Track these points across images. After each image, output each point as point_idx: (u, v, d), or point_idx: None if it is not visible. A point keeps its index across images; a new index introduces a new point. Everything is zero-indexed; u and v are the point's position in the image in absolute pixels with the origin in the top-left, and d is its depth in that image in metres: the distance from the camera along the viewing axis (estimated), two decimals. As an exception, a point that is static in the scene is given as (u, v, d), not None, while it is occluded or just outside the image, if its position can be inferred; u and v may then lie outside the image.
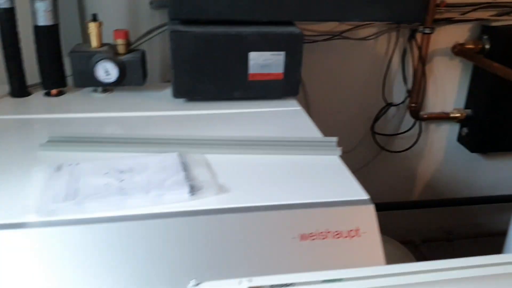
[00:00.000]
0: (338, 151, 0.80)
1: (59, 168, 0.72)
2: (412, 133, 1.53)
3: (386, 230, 0.67)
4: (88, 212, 0.62)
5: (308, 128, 0.90)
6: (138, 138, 0.82)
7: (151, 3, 1.24)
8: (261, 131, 0.87)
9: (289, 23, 0.99)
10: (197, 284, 0.51)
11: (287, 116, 0.96)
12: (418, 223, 1.68)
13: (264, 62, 0.96)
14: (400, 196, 1.64)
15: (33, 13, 0.91)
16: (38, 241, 0.59)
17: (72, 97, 1.01)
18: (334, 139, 0.83)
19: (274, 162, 0.77)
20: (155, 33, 1.24)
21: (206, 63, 0.94)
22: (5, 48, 0.94)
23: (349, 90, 1.45)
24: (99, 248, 0.60)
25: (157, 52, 1.27)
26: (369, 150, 1.53)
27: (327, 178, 0.73)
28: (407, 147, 1.54)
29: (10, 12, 0.91)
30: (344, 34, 1.35)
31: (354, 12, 0.97)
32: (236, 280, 0.51)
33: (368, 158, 1.54)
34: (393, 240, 1.39)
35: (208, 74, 0.95)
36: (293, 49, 0.96)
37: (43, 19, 0.91)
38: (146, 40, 1.20)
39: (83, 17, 1.19)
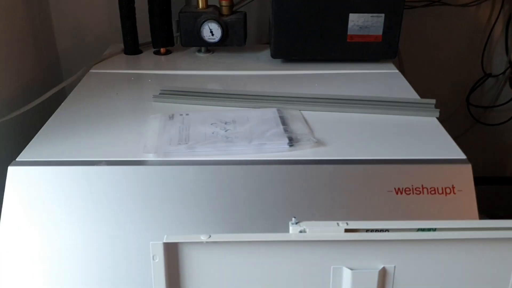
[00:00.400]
0: (436, 112, 0.80)
1: (171, 117, 0.79)
2: (510, 106, 1.46)
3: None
4: (198, 155, 0.69)
5: (405, 90, 0.90)
6: (239, 94, 0.88)
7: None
8: (358, 91, 0.89)
9: (390, -14, 0.99)
10: (297, 222, 0.56)
11: (384, 78, 0.97)
12: (510, 200, 1.62)
13: (364, 24, 0.97)
14: (493, 171, 1.58)
15: (148, -24, 0.99)
16: (155, 177, 0.67)
17: (178, 55, 1.09)
18: (432, 101, 0.83)
19: (371, 120, 0.79)
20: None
21: (306, 24, 0.97)
22: (121, 8, 1.03)
23: (445, 58, 1.41)
24: (208, 187, 0.67)
25: (254, 15, 1.31)
26: (463, 121, 1.49)
27: (424, 137, 0.74)
28: (503, 120, 1.48)
29: (127, -26, 1.00)
30: (444, 0, 1.31)
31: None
32: (334, 222, 0.55)
33: (462, 130, 1.50)
34: (483, 215, 1.35)
35: (307, 35, 0.98)
36: (394, 11, 0.96)
37: (157, -19, 0.99)
38: (247, 3, 1.25)
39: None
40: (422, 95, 0.90)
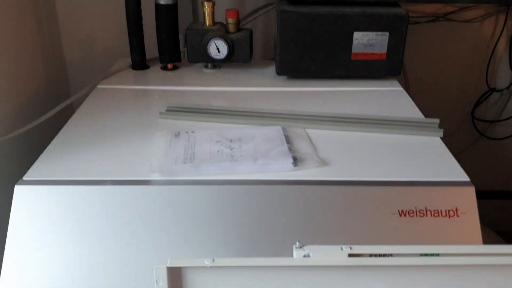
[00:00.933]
0: (440, 132, 0.81)
1: (177, 134, 0.80)
2: (515, 121, 1.46)
3: (481, 218, 0.68)
4: (203, 174, 0.70)
5: (409, 109, 0.91)
6: (244, 111, 0.89)
7: (257, -18, 1.29)
8: (362, 109, 0.90)
9: (394, 4, 0.99)
10: (301, 246, 0.56)
11: (388, 96, 0.97)
12: (515, 215, 1.62)
13: (368, 42, 0.97)
14: (498, 185, 1.58)
15: (156, -7, 1.00)
16: (160, 197, 0.68)
17: (185, 71, 1.10)
18: (436, 120, 0.83)
19: (375, 139, 0.80)
20: (260, 12, 1.30)
21: (311, 41, 0.98)
22: (129, 24, 1.04)
23: (450, 73, 1.41)
24: (212, 206, 0.67)
25: (260, 30, 1.33)
26: (468, 135, 1.49)
27: (428, 158, 0.74)
28: (508, 134, 1.48)
29: (136, -8, 1.01)
30: (448, 16, 1.32)
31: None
32: (338, 247, 0.55)
33: (467, 144, 1.50)
34: (489, 229, 1.35)
35: (312, 52, 0.99)
36: (398, 30, 0.96)
37: (164, -2, 1.00)
38: (252, 20, 1.26)
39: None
40: (426, 110, 0.90)
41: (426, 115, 0.87)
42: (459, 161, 0.74)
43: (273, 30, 1.32)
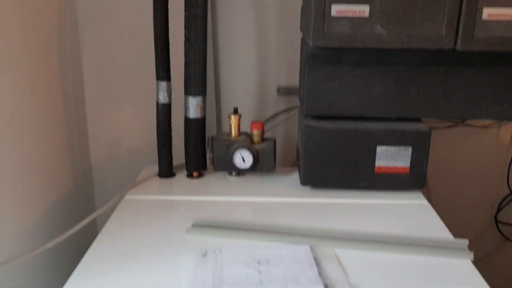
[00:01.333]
0: (470, 255, 0.80)
1: (204, 254, 0.80)
2: (541, 224, 1.44)
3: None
4: (233, 302, 0.69)
5: (436, 225, 0.91)
6: (271, 226, 0.89)
7: (278, 90, 1.35)
8: (389, 225, 0.90)
9: (416, 119, 1.03)
10: None
11: (413, 211, 0.98)
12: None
13: (391, 156, 0.99)
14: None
15: (186, 107, 1.04)
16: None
17: (210, 179, 1.12)
18: (465, 241, 0.83)
19: (404, 261, 0.79)
20: (281, 118, 1.34)
21: (334, 154, 1.00)
22: (159, 136, 1.08)
23: (469, 177, 1.42)
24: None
25: (281, 135, 1.37)
26: (492, 240, 1.47)
27: (460, 283, 0.73)
28: (534, 238, 1.46)
29: (167, 107, 1.06)
30: (466, 122, 1.35)
31: (483, 110, 0.98)
32: None
33: (491, 248, 1.47)
34: None
35: (335, 164, 1.01)
36: (421, 145, 0.99)
37: (194, 113, 1.04)
38: (272, 127, 1.31)
39: (219, 109, 1.33)
40: (448, 213, 0.90)
41: (448, 219, 0.87)
42: (483, 266, 0.73)
43: (293, 137, 1.37)
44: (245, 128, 1.12)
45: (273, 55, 1.32)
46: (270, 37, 1.30)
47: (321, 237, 0.86)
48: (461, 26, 0.85)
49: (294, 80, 1.31)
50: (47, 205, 1.10)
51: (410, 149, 0.99)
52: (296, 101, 1.33)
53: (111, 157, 1.39)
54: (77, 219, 0.98)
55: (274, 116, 1.36)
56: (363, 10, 0.85)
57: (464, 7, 0.84)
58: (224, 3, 1.26)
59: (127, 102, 1.34)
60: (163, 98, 1.05)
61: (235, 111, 1.09)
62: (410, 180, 1.02)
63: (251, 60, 1.32)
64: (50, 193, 1.13)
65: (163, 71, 1.04)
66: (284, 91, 1.35)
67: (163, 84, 1.05)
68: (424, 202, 1.01)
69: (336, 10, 0.86)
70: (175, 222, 0.93)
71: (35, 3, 1.04)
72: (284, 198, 1.03)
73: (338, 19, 0.86)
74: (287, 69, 1.33)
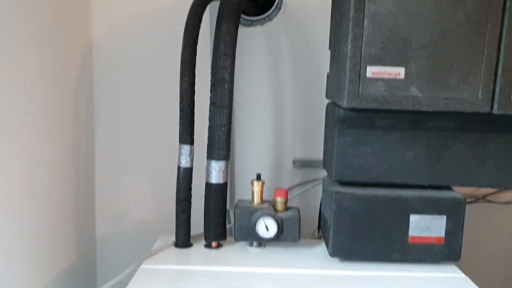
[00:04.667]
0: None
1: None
2: None
3: None
4: None
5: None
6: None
7: (294, 162, 1.32)
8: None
9: (448, 187, 0.99)
10: None
11: (451, 284, 0.91)
12: None
13: (425, 225, 0.95)
14: None
15: (209, 172, 1.00)
16: None
17: (229, 249, 1.05)
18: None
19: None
20: (297, 191, 1.30)
21: (366, 223, 0.95)
22: (178, 202, 1.02)
23: (492, 256, 1.37)
24: None
25: (300, 204, 1.31)
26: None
27: None
28: None
29: (188, 171, 1.02)
30: (488, 198, 1.32)
31: (517, 179, 0.95)
32: None
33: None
34: None
35: (366, 234, 0.96)
36: (455, 214, 0.95)
37: (216, 178, 1.00)
38: (293, 197, 1.26)
39: (233, 178, 1.29)
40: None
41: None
42: None
43: (309, 209, 1.31)
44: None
45: (289, 128, 1.31)
46: (287, 109, 1.29)
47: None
48: (497, 89, 0.85)
49: (309, 153, 1.29)
50: (50, 279, 1.01)
51: (444, 218, 0.95)
52: (311, 174, 1.30)
53: (117, 232, 1.32)
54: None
55: (291, 188, 1.32)
56: (399, 72, 0.85)
57: (500, 71, 0.84)
58: (241, 73, 1.27)
59: (139, 171, 1.30)
60: (185, 162, 1.01)
61: (258, 177, 1.05)
62: (445, 251, 0.96)
63: (267, 131, 1.30)
64: (53, 266, 1.04)
65: (187, 135, 1.01)
66: (300, 164, 1.32)
67: (186, 148, 1.01)
68: (461, 275, 0.95)
69: (371, 71, 0.85)
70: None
71: (54, 75, 1.04)
72: (310, 270, 0.96)
73: (373, 80, 0.86)
74: (303, 142, 1.31)
